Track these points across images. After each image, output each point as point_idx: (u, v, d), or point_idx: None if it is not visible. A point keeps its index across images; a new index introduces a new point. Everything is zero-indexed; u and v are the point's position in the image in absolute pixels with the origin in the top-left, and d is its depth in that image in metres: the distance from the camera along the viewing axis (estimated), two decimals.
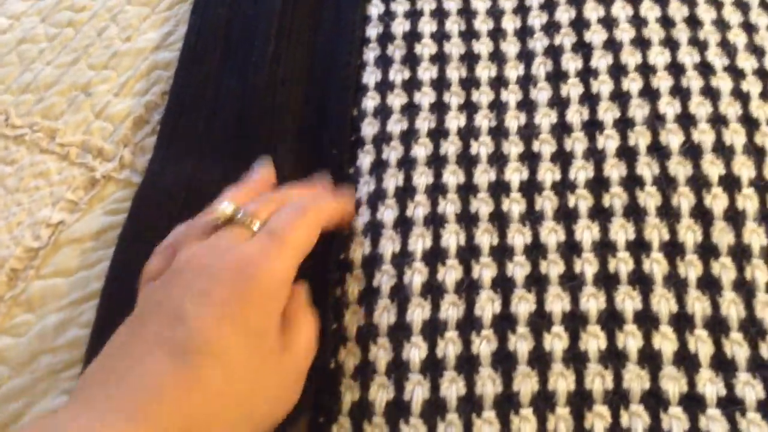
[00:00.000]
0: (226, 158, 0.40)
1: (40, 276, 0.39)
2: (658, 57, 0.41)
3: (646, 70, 0.41)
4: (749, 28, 0.43)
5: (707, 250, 0.36)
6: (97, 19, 0.49)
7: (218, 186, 0.38)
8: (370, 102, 0.42)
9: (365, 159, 0.40)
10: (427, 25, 0.45)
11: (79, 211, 0.41)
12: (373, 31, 0.45)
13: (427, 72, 0.43)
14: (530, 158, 0.39)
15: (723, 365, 0.33)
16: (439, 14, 0.45)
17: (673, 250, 0.36)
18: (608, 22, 0.43)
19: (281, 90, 0.43)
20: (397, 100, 0.42)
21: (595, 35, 0.42)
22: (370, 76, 0.43)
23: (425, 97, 0.42)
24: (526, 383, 0.33)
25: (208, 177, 0.40)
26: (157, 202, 0.39)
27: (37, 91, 0.46)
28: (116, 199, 0.41)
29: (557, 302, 0.35)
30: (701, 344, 0.34)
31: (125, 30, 0.48)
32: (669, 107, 0.39)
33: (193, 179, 0.40)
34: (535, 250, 0.36)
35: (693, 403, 0.32)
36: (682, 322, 0.34)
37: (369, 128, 0.41)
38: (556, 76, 0.42)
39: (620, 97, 0.40)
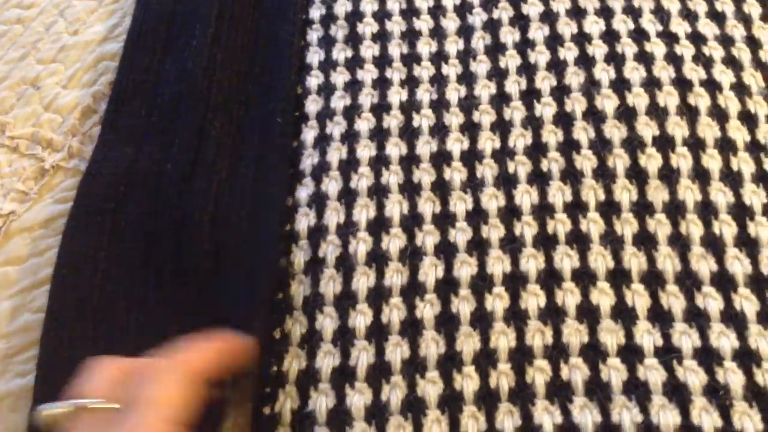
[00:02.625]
0: (164, 139, 0.41)
1: None
2: (593, 26, 0.42)
3: (581, 39, 0.42)
4: None
5: (642, 208, 0.36)
6: (45, 15, 0.49)
7: (157, 165, 0.38)
8: (314, 80, 0.43)
9: (309, 133, 0.41)
10: (368, 5, 0.45)
11: (29, 201, 0.42)
12: (316, 12, 0.46)
13: (369, 50, 0.44)
14: (471, 128, 0.40)
15: (659, 317, 0.34)
16: None
17: (609, 209, 0.37)
18: None
19: (219, 70, 0.43)
20: (340, 77, 0.43)
21: (532, 8, 0.43)
22: (314, 56, 0.44)
23: (368, 73, 0.43)
24: (468, 343, 0.34)
25: (147, 158, 0.40)
26: (99, 186, 0.40)
27: None
28: (65, 188, 0.42)
29: (498, 264, 0.36)
30: (638, 298, 0.34)
31: (73, 24, 0.49)
32: (604, 73, 0.40)
33: (134, 162, 0.41)
34: (477, 216, 0.37)
35: (631, 353, 0.33)
36: (619, 277, 0.35)
37: (313, 105, 0.42)
38: (495, 49, 0.42)
39: (556, 66, 0.41)
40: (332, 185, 0.39)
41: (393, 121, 0.41)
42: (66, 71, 0.46)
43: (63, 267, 0.37)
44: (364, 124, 0.41)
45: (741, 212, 0.36)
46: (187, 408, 0.27)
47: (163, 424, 0.26)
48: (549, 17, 0.43)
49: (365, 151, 0.40)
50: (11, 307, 0.38)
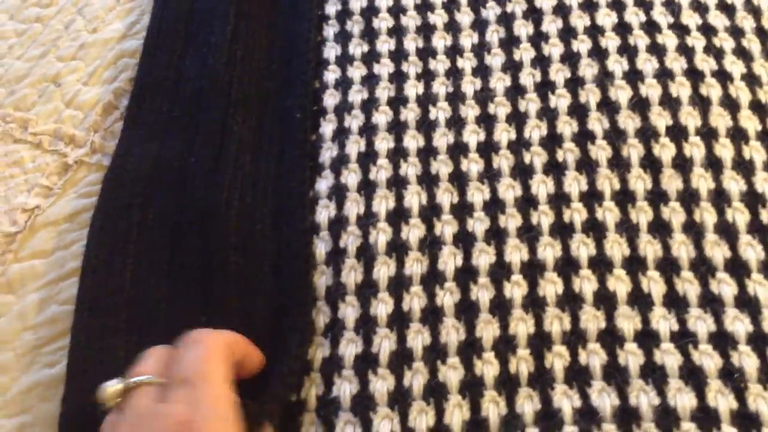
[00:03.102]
0: (187, 134, 0.42)
1: (18, 259, 0.40)
2: (606, 18, 0.43)
3: (594, 31, 0.42)
4: None
5: (657, 197, 0.37)
6: (63, 14, 0.50)
7: (181, 160, 0.39)
8: (331, 75, 0.44)
9: (327, 127, 0.42)
10: (384, 1, 0.46)
11: (53, 196, 0.42)
12: (331, 8, 0.47)
13: (385, 44, 0.44)
14: (486, 120, 0.41)
15: (675, 302, 0.35)
16: None
17: (624, 198, 0.37)
18: None
19: (239, 67, 0.44)
20: (357, 72, 0.44)
21: (545, 1, 0.44)
22: (330, 51, 0.45)
23: (384, 68, 0.43)
24: (488, 329, 0.35)
25: (171, 153, 0.41)
26: (126, 181, 0.40)
27: (8, 85, 0.47)
28: (88, 183, 0.43)
29: (516, 253, 0.36)
30: (654, 284, 0.35)
31: (91, 22, 0.50)
32: (617, 65, 0.41)
33: (158, 157, 0.42)
34: (494, 206, 0.38)
35: (647, 338, 0.34)
36: (634, 264, 0.36)
37: (330, 99, 0.43)
38: (509, 42, 0.43)
39: (570, 58, 0.42)
40: (351, 177, 0.40)
41: (410, 114, 0.41)
42: (86, 68, 0.47)
43: (92, 259, 0.38)
44: (382, 117, 0.41)
45: (753, 200, 0.37)
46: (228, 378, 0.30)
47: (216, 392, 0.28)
48: (562, 10, 0.44)
49: (383, 143, 0.40)
50: (39, 299, 0.39)
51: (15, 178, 0.43)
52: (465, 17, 0.45)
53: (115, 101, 0.46)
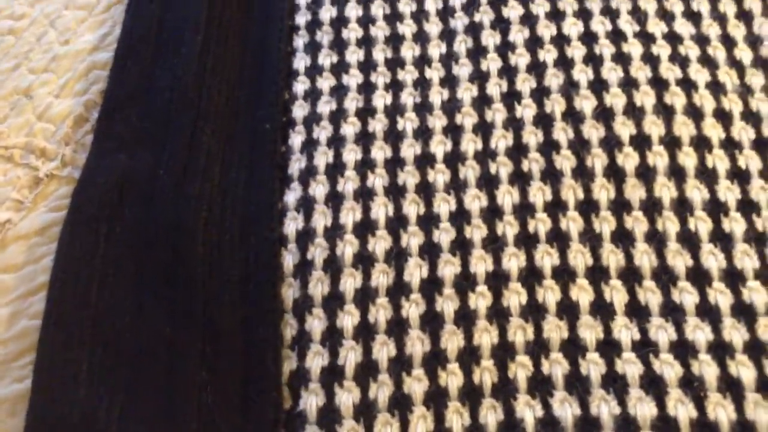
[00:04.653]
0: (156, 146, 0.42)
1: None
2: (572, 28, 0.43)
3: (560, 41, 0.43)
4: None
5: (620, 206, 0.38)
6: (36, 26, 0.50)
7: (150, 172, 0.40)
8: (301, 86, 0.44)
9: (296, 138, 0.42)
10: (353, 11, 0.46)
11: (24, 210, 0.43)
12: (301, 19, 0.47)
13: (354, 55, 0.45)
14: (453, 131, 0.41)
15: (637, 312, 0.35)
16: None
17: (588, 207, 0.38)
18: None
19: (209, 77, 0.44)
20: (326, 82, 0.44)
21: (512, 11, 0.44)
22: (300, 62, 0.45)
23: (353, 78, 0.44)
24: (452, 340, 0.35)
25: (140, 165, 0.41)
26: (94, 194, 0.41)
27: None
28: (59, 196, 0.43)
29: (481, 264, 0.37)
30: (616, 293, 0.35)
31: (63, 34, 0.50)
32: (582, 74, 0.41)
33: (127, 169, 0.42)
34: (460, 217, 0.38)
35: (609, 348, 0.34)
36: (597, 274, 0.36)
37: (300, 110, 0.43)
38: (476, 52, 0.43)
39: (536, 68, 0.42)
40: (319, 189, 0.40)
41: (378, 124, 0.42)
42: (58, 81, 0.47)
43: (60, 273, 0.38)
44: (350, 128, 0.42)
45: (716, 208, 0.37)
46: None
47: None
48: (529, 20, 0.44)
49: (351, 154, 0.41)
50: (8, 313, 0.39)
51: None
52: (433, 27, 0.45)
53: (86, 113, 0.46)
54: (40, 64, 0.48)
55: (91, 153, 0.43)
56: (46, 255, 0.41)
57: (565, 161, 0.39)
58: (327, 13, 0.47)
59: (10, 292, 0.40)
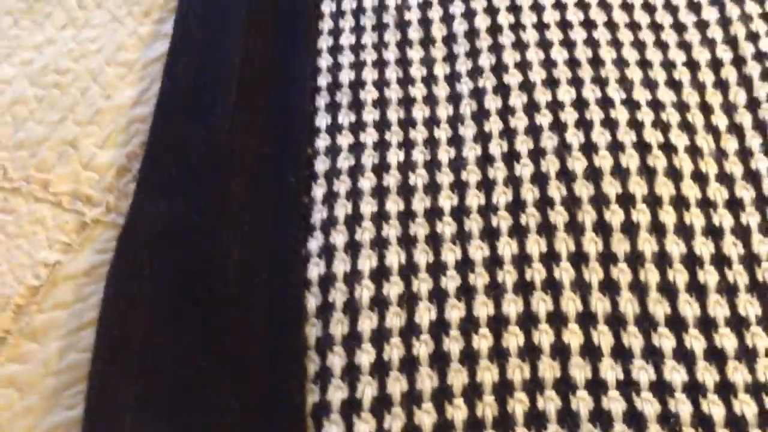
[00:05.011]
0: (193, 196, 0.47)
1: (41, 310, 0.45)
2: (566, 95, 0.48)
3: (555, 106, 0.48)
4: (645, 64, 0.50)
5: (607, 258, 0.42)
6: (80, 81, 0.55)
7: (187, 220, 0.45)
8: (322, 142, 0.49)
9: (318, 191, 0.47)
10: (369, 74, 0.51)
11: (72, 252, 0.47)
12: (323, 80, 0.52)
13: (370, 115, 0.50)
14: (459, 186, 0.46)
15: (621, 354, 0.40)
16: (380, 64, 0.52)
17: (578, 259, 0.42)
18: (523, 66, 0.50)
19: (240, 133, 0.49)
20: (345, 140, 0.49)
21: (512, 78, 0.49)
22: (322, 120, 0.50)
23: (369, 136, 0.49)
24: (458, 378, 0.39)
25: (178, 213, 0.46)
26: (137, 239, 0.45)
27: (30, 147, 0.52)
28: (105, 239, 0.47)
29: (483, 308, 0.41)
30: (603, 337, 0.40)
31: (106, 89, 0.55)
32: (574, 137, 0.46)
33: (167, 217, 0.47)
34: (464, 265, 0.43)
35: (596, 386, 0.39)
36: (586, 319, 0.41)
37: (321, 165, 0.48)
38: (480, 115, 0.48)
39: (533, 131, 0.47)
40: (339, 238, 0.45)
41: (392, 180, 0.46)
42: (101, 133, 0.52)
43: (107, 311, 0.43)
44: (367, 182, 0.47)
45: (692, 262, 0.42)
46: None
47: None
48: (527, 86, 0.49)
49: (368, 207, 0.46)
50: (60, 347, 0.44)
51: (37, 235, 0.48)
52: (442, 91, 0.50)
53: (128, 164, 0.51)
54: (85, 117, 0.53)
55: (134, 201, 0.48)
56: (93, 294, 0.45)
57: (559, 216, 0.44)
58: (346, 76, 0.52)
59: (61, 328, 0.45)
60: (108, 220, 0.48)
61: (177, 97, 0.52)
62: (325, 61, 0.53)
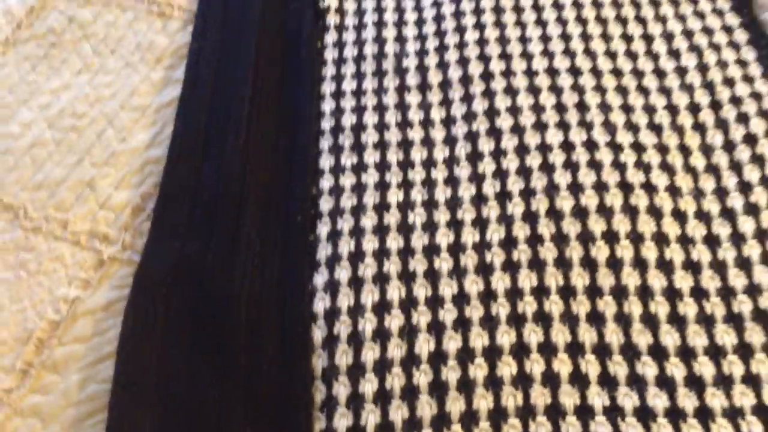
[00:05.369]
0: (205, 235, 0.50)
1: (62, 343, 0.48)
2: (554, 137, 0.52)
3: (544, 148, 0.51)
4: (628, 108, 0.53)
5: (593, 291, 0.45)
6: (96, 124, 0.59)
7: (200, 257, 0.47)
8: (326, 183, 0.52)
9: (323, 229, 0.50)
10: (370, 118, 0.55)
11: (91, 288, 0.50)
12: (326, 124, 0.55)
13: (371, 157, 0.53)
14: (455, 224, 0.49)
15: (607, 381, 0.43)
16: (380, 108, 0.56)
17: (567, 292, 0.45)
18: (514, 111, 0.53)
19: (249, 175, 0.53)
20: (348, 180, 0.52)
21: (504, 122, 0.53)
22: (325, 162, 0.53)
23: (370, 177, 0.52)
24: (455, 405, 0.42)
25: (192, 251, 0.49)
26: (153, 276, 0.48)
27: (49, 188, 0.55)
28: (121, 276, 0.50)
29: (479, 339, 0.44)
30: (590, 366, 0.43)
31: (120, 132, 0.58)
32: (562, 178, 0.50)
33: (181, 254, 0.50)
34: (460, 299, 0.46)
35: (584, 412, 0.42)
36: (575, 349, 0.44)
37: (326, 204, 0.51)
38: (474, 156, 0.52)
39: (524, 172, 0.50)
40: (343, 273, 0.48)
41: (392, 218, 0.50)
42: (117, 174, 0.55)
43: (125, 344, 0.46)
44: (368, 221, 0.50)
45: (672, 295, 0.45)
46: None
47: None
48: (518, 129, 0.52)
49: (369, 244, 0.49)
50: (80, 379, 0.46)
51: (57, 272, 0.51)
52: (438, 134, 0.54)
53: (143, 203, 0.54)
54: (101, 159, 0.57)
55: (149, 240, 0.51)
56: (111, 328, 0.48)
57: (548, 253, 0.47)
58: (348, 119, 0.55)
59: (80, 360, 0.47)
60: (124, 257, 0.51)
61: (189, 140, 0.55)
62: (328, 106, 0.56)
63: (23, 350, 0.48)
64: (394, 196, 0.51)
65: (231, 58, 0.60)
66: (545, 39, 0.58)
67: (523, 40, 0.58)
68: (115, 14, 0.67)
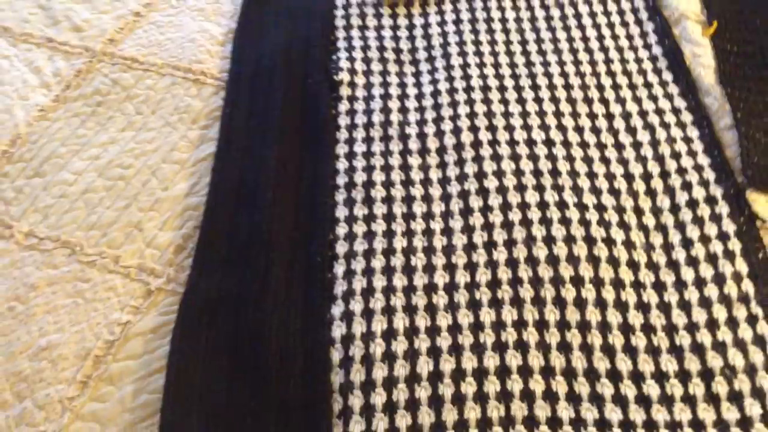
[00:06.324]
0: (240, 273, 0.59)
1: (116, 360, 0.56)
2: (531, 197, 0.62)
3: (523, 206, 0.62)
4: (592, 175, 0.65)
5: (563, 325, 0.55)
6: (141, 175, 0.68)
7: (236, 292, 0.57)
8: (342, 230, 0.62)
9: (339, 268, 0.60)
10: (378, 176, 0.65)
11: (140, 314, 0.59)
12: (341, 180, 0.65)
13: (379, 209, 0.63)
14: (450, 267, 0.59)
15: (573, 398, 0.52)
16: (387, 168, 0.66)
17: (541, 325, 0.55)
18: (499, 174, 0.64)
19: (276, 222, 0.62)
20: (359, 228, 0.62)
21: (491, 183, 0.64)
22: (341, 212, 0.63)
23: (379, 226, 0.62)
24: (450, 415, 0.52)
25: (228, 286, 0.58)
26: (197, 305, 0.57)
27: (101, 228, 0.64)
28: (166, 304, 0.59)
29: (469, 362, 0.54)
30: (559, 386, 0.53)
31: (163, 182, 0.68)
32: (538, 231, 0.60)
33: (219, 288, 0.59)
34: (454, 328, 0.56)
35: (554, 423, 0.51)
36: (547, 371, 0.53)
37: (341, 248, 0.61)
38: (466, 211, 0.62)
39: (507, 225, 0.61)
40: (357, 306, 0.57)
41: (397, 261, 0.60)
42: (161, 218, 0.65)
43: (174, 363, 0.55)
44: (378, 263, 0.60)
45: (626, 329, 0.55)
46: None
47: None
48: (502, 190, 0.63)
49: (378, 282, 0.58)
50: (133, 389, 0.55)
51: (111, 300, 0.60)
52: (436, 191, 0.64)
53: (184, 243, 0.63)
54: (146, 205, 0.66)
55: (191, 275, 0.60)
56: (158, 347, 0.57)
57: (526, 292, 0.57)
58: (359, 177, 0.65)
59: (133, 374, 0.56)
60: (169, 288, 0.60)
61: (225, 191, 0.65)
62: (342, 165, 0.67)
63: (83, 365, 0.56)
64: (399, 243, 0.61)
65: (259, 122, 0.70)
66: (525, 114, 0.69)
67: (507, 115, 0.69)
68: (155, 79, 0.78)
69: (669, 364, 0.54)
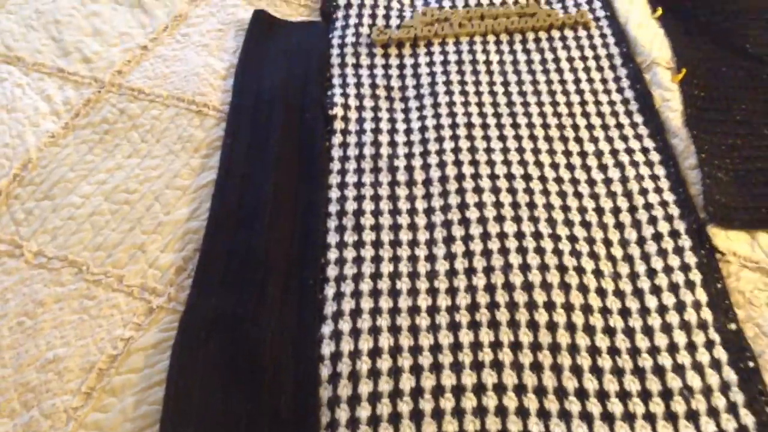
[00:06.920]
0: (237, 292, 0.63)
1: (119, 373, 0.60)
2: (509, 228, 0.67)
3: (502, 236, 0.67)
4: (566, 209, 0.70)
5: (535, 346, 0.60)
6: (145, 199, 0.73)
7: (232, 311, 0.61)
8: (332, 255, 0.67)
9: (330, 290, 0.64)
10: (368, 205, 0.70)
11: (142, 330, 0.63)
12: (333, 208, 0.70)
13: (368, 236, 0.68)
14: (432, 291, 0.64)
15: (543, 414, 0.57)
16: (376, 198, 0.71)
17: (515, 346, 0.60)
18: (480, 206, 0.69)
19: (272, 246, 0.67)
20: (349, 254, 0.67)
21: (472, 214, 0.69)
22: (332, 238, 0.68)
23: (367, 252, 0.67)
24: (429, 428, 0.56)
25: (225, 306, 0.63)
26: (196, 323, 0.62)
27: (106, 249, 0.69)
28: (167, 322, 0.63)
29: (448, 379, 0.58)
30: (531, 402, 0.57)
31: (165, 207, 0.72)
32: (515, 260, 0.65)
33: (217, 308, 0.63)
34: (435, 348, 0.60)
35: None
36: (519, 389, 0.58)
37: (332, 271, 0.65)
38: (449, 239, 0.67)
39: (486, 254, 0.66)
40: (345, 325, 0.61)
41: (384, 285, 0.64)
42: (163, 240, 0.69)
43: (173, 377, 0.59)
44: (365, 286, 0.64)
45: (593, 351, 0.60)
46: None
47: None
48: (483, 220, 0.68)
49: (366, 304, 0.63)
50: (134, 401, 0.59)
51: (114, 317, 0.64)
52: (421, 220, 0.69)
53: (184, 265, 0.67)
54: (150, 228, 0.70)
55: (191, 295, 0.64)
56: (158, 362, 0.61)
57: (503, 315, 0.62)
58: (350, 205, 0.70)
59: (134, 387, 0.60)
60: (170, 307, 0.65)
61: (224, 217, 0.69)
62: (334, 194, 0.71)
63: (87, 377, 0.60)
64: (386, 268, 0.65)
65: (258, 152, 0.75)
66: (505, 150, 0.75)
67: (489, 150, 0.75)
68: (160, 109, 0.82)
69: (632, 384, 0.58)
